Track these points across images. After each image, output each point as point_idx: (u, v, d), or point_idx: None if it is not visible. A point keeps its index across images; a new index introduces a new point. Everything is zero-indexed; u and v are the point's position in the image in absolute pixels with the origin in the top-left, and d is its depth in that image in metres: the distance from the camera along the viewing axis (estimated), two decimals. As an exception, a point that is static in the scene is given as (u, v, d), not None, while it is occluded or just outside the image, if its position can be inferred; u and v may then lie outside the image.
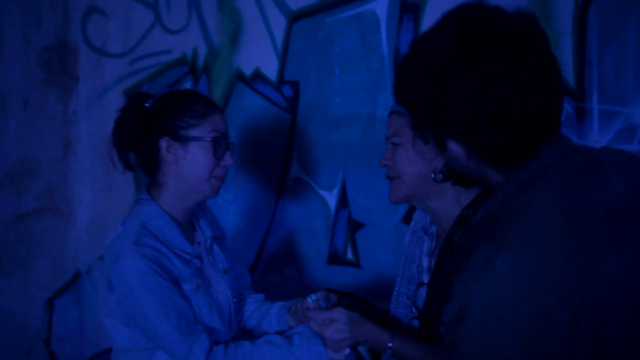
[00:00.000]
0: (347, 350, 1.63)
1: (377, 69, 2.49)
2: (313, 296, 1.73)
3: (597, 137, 2.03)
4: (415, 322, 1.69)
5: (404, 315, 1.74)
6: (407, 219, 2.43)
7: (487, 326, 0.99)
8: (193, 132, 1.75)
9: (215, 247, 1.90)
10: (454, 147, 1.12)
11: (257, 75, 2.83)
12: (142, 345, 1.71)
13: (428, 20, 2.35)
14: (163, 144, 1.75)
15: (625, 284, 1.00)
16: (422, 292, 1.69)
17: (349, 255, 2.62)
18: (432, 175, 1.61)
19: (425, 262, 1.72)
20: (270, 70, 2.79)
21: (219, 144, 1.77)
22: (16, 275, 3.39)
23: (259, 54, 2.81)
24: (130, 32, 3.25)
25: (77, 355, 3.55)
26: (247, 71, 2.86)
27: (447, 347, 1.06)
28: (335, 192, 2.64)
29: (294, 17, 2.69)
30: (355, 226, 2.60)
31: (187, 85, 3.08)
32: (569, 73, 2.08)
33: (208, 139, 1.75)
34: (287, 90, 2.74)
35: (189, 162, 1.75)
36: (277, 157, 2.77)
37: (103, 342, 3.50)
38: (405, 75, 1.15)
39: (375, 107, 2.50)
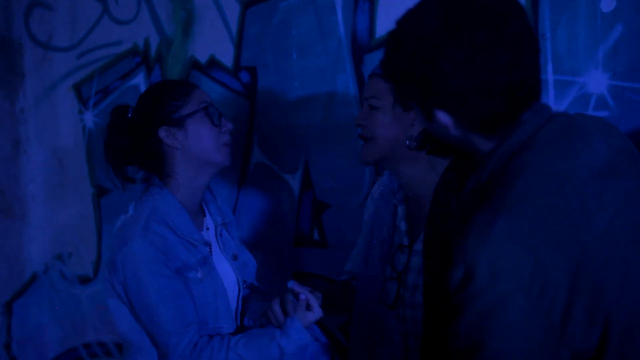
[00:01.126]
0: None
1: (335, 50, 2.50)
2: (290, 283, 1.75)
3: (554, 106, 2.10)
4: (393, 283, 1.72)
5: (377, 277, 1.76)
6: (372, 197, 2.47)
7: (493, 284, 1.05)
8: (184, 110, 1.77)
9: (225, 233, 1.92)
10: (443, 117, 1.18)
11: (213, 63, 2.81)
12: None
13: (383, 0, 2.38)
14: (162, 133, 1.76)
15: (615, 236, 1.09)
16: (401, 255, 1.72)
17: (316, 236, 2.65)
18: (407, 142, 1.63)
19: (403, 226, 1.75)
20: (226, 57, 2.77)
21: (213, 112, 1.79)
22: (-29, 279, 3.30)
23: (213, 41, 2.80)
24: (77, 24, 3.19)
25: (39, 358, 3.49)
26: (202, 59, 2.84)
27: (453, 309, 1.11)
28: (298, 175, 2.65)
29: (248, 3, 2.68)
30: (320, 207, 2.62)
31: (140, 76, 3.04)
32: (523, 46, 2.15)
33: (200, 109, 1.77)
34: (244, 76, 2.74)
35: (192, 140, 1.76)
36: (237, 144, 2.77)
37: (65, 343, 3.45)
38: (394, 50, 1.21)
39: (334, 88, 2.52)
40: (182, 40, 2.89)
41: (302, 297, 1.71)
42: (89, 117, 3.24)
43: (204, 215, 1.90)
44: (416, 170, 1.70)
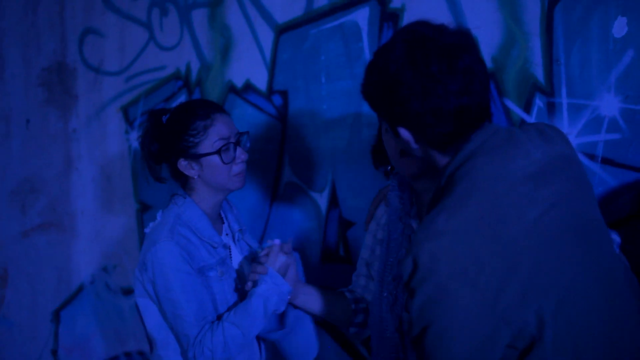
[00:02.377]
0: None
1: (361, 75, 2.59)
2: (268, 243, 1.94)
3: (567, 129, 2.16)
4: None
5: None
6: (394, 215, 2.55)
7: (434, 272, 1.23)
8: (200, 149, 1.94)
9: (242, 243, 2.13)
10: (404, 134, 1.41)
11: (248, 87, 2.97)
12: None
13: (406, 27, 2.49)
14: (182, 163, 1.96)
15: (545, 227, 1.26)
16: None
17: (341, 252, 2.75)
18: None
19: (414, 224, 1.83)
20: (260, 81, 2.93)
21: (227, 150, 1.95)
22: (23, 288, 3.50)
23: (249, 66, 2.95)
24: (126, 50, 3.40)
25: (84, 364, 3.66)
26: (238, 83, 3.00)
27: (407, 298, 1.30)
28: (325, 194, 2.76)
29: (281, 30, 2.83)
30: (346, 225, 2.72)
31: (182, 99, 3.22)
32: (539, 71, 2.21)
33: (214, 150, 1.93)
34: (277, 99, 2.88)
35: (207, 173, 1.96)
36: (269, 163, 2.91)
37: (108, 351, 3.61)
38: (367, 78, 1.46)
39: (360, 111, 2.63)
40: (221, 66, 3.06)
41: (275, 242, 1.91)
42: (135, 137, 3.43)
43: (223, 223, 2.11)
44: (428, 185, 1.76)
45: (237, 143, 1.98)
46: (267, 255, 1.90)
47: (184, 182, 2.03)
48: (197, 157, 1.94)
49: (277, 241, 1.93)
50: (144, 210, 3.43)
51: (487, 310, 1.20)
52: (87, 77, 3.57)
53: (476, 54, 1.38)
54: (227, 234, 2.09)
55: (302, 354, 2.05)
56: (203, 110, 1.97)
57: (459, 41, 1.35)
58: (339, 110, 2.69)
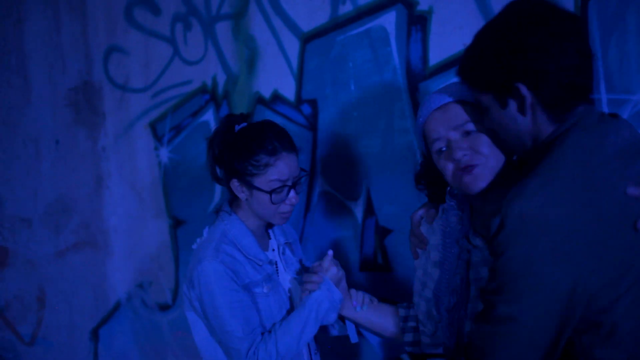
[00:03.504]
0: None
1: (391, 80, 2.59)
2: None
3: (608, 126, 2.11)
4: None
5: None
6: (432, 221, 2.51)
7: (520, 232, 1.27)
8: (256, 181, 1.92)
9: (288, 252, 2.12)
10: (524, 90, 1.38)
11: (276, 97, 2.95)
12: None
13: (435, 29, 2.45)
14: (235, 182, 1.95)
15: (632, 205, 1.28)
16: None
17: (379, 260, 2.72)
18: (514, 157, 1.61)
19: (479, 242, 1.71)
20: (288, 91, 2.90)
21: (280, 192, 1.92)
22: (60, 308, 3.52)
23: (276, 77, 2.93)
24: (151, 67, 3.40)
25: (124, 381, 3.67)
26: (266, 94, 2.98)
27: (493, 255, 1.34)
28: (361, 202, 2.73)
29: (307, 39, 2.81)
30: (383, 233, 2.69)
31: (210, 112, 3.21)
32: (575, 67, 2.17)
33: (267, 189, 1.91)
34: (306, 109, 2.85)
35: (254, 203, 1.95)
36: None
37: (148, 367, 3.62)
38: (481, 43, 1.47)
39: (391, 117, 2.60)
40: (247, 77, 3.04)
41: (329, 253, 1.96)
42: (164, 153, 3.43)
43: (270, 238, 2.11)
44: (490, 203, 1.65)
45: (293, 186, 1.95)
46: (320, 265, 1.93)
47: (232, 197, 2.03)
48: (249, 186, 1.93)
49: (330, 252, 1.95)
50: (177, 226, 3.43)
51: (570, 274, 1.25)
52: (113, 95, 3.58)
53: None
54: (273, 250, 2.09)
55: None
56: (272, 144, 1.92)
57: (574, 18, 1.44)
58: (369, 117, 2.66)
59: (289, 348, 1.89)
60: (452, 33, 2.42)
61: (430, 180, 1.84)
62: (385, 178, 2.65)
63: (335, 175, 2.80)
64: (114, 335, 3.66)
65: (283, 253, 2.10)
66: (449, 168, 1.62)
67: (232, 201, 2.03)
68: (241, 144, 1.93)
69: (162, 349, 3.54)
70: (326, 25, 2.74)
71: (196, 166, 3.28)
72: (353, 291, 2.01)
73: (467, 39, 2.37)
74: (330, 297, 1.90)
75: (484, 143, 1.61)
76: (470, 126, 1.62)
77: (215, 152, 1.98)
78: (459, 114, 1.64)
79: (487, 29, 1.47)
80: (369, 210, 2.72)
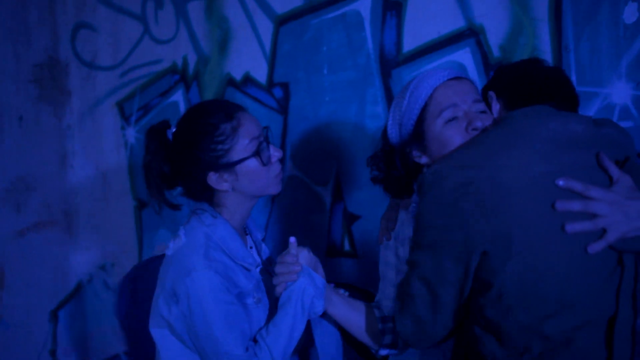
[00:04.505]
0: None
1: (364, 65, 2.58)
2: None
3: (577, 117, 2.14)
4: None
5: None
6: (401, 208, 2.52)
7: (429, 187, 1.42)
8: (233, 156, 1.68)
9: (264, 248, 1.92)
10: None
11: (247, 79, 2.92)
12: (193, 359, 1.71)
13: (410, 16, 2.45)
14: (212, 177, 1.69)
15: (546, 183, 1.36)
16: None
17: (347, 247, 2.71)
18: None
19: None
20: (260, 73, 2.88)
21: (262, 149, 1.71)
22: (19, 288, 3.44)
23: (248, 59, 2.90)
24: (120, 44, 3.34)
25: (83, 364, 3.62)
26: (237, 76, 2.95)
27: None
28: (329, 187, 2.73)
29: (281, 21, 2.78)
30: (351, 219, 2.69)
31: (179, 93, 3.16)
32: (547, 58, 2.17)
33: (250, 154, 1.69)
34: (278, 92, 2.83)
35: (243, 182, 1.71)
36: (271, 157, 2.86)
37: (107, 350, 3.57)
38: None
39: (364, 102, 2.59)
40: (219, 58, 3.00)
41: (291, 240, 1.73)
42: (131, 133, 3.37)
43: (246, 234, 1.87)
44: None
45: (267, 140, 1.73)
46: (287, 254, 1.72)
47: (209, 199, 1.74)
48: (230, 167, 1.67)
49: (292, 239, 1.73)
50: (142, 207, 3.38)
51: (458, 234, 1.38)
52: (80, 73, 3.50)
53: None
54: (251, 247, 1.85)
55: None
56: (223, 111, 1.70)
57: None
58: (342, 102, 2.65)
59: (285, 352, 1.66)
60: (426, 21, 2.42)
61: (397, 167, 1.78)
62: (355, 164, 2.64)
63: (305, 159, 2.79)
64: (74, 317, 3.60)
65: (260, 250, 1.88)
66: (456, 139, 1.58)
67: (211, 202, 1.75)
68: (191, 136, 1.68)
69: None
70: (301, 8, 2.72)
71: (164, 147, 3.24)
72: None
73: (441, 27, 2.40)
74: (313, 283, 1.69)
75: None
76: (484, 106, 1.64)
77: (163, 170, 1.71)
78: (475, 90, 1.67)
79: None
80: (338, 195, 2.71)
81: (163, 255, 1.85)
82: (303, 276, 1.69)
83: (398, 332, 1.57)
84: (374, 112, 2.58)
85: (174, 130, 1.75)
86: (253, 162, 1.69)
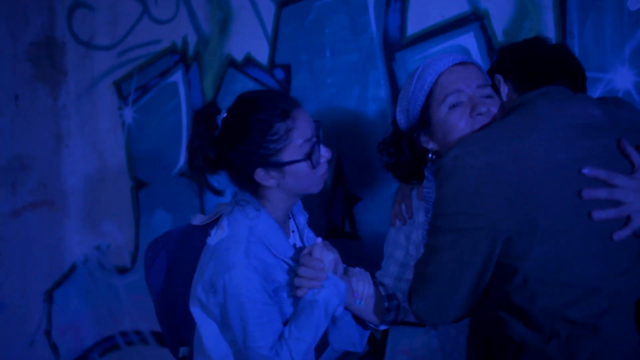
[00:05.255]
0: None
1: (367, 48, 2.59)
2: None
3: (580, 102, 2.17)
4: None
5: None
6: (402, 190, 2.54)
7: (451, 173, 1.41)
8: (284, 157, 1.66)
9: (308, 232, 1.90)
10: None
11: (249, 61, 2.92)
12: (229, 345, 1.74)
13: (415, 0, 2.46)
14: (260, 173, 1.68)
15: (568, 170, 1.38)
16: None
17: (347, 228, 2.73)
18: None
19: None
20: (261, 55, 2.87)
21: (314, 152, 1.69)
22: (14, 269, 3.43)
23: (249, 40, 2.90)
24: (118, 24, 3.31)
25: (78, 345, 3.61)
26: (238, 57, 2.94)
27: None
28: (331, 169, 2.74)
29: (283, 2, 2.78)
30: (352, 200, 2.71)
31: (178, 74, 3.15)
32: (551, 44, 2.21)
33: (301, 157, 1.67)
34: (279, 74, 2.83)
35: (289, 181, 1.69)
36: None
37: (103, 331, 3.57)
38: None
39: (366, 85, 2.61)
40: (219, 39, 2.99)
41: (318, 241, 1.71)
42: (129, 113, 3.36)
43: (289, 218, 1.86)
44: None
45: (318, 140, 1.72)
46: (310, 257, 1.68)
47: (254, 191, 1.74)
48: (279, 166, 1.66)
49: (319, 240, 1.71)
50: (139, 188, 3.37)
51: (482, 221, 1.38)
52: (77, 52, 3.47)
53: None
54: (293, 231, 1.84)
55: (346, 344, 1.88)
56: (277, 107, 1.66)
57: None
58: (344, 85, 2.66)
59: (306, 356, 1.67)
60: (431, 4, 2.43)
61: (405, 153, 1.81)
62: (356, 146, 2.66)
63: (306, 142, 2.79)
64: (69, 298, 3.60)
65: (303, 234, 1.87)
66: (460, 124, 1.61)
67: (255, 193, 1.74)
68: (243, 129, 1.65)
69: (119, 312, 3.49)
70: (304, -10, 2.72)
71: (162, 127, 3.23)
72: (354, 281, 1.80)
73: (445, 11, 2.41)
74: (337, 292, 1.68)
75: (500, 109, 1.64)
76: (490, 90, 1.66)
77: (209, 155, 1.68)
78: (480, 75, 1.69)
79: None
80: (339, 177, 2.73)
81: (199, 227, 1.87)
82: (328, 286, 1.67)
83: (413, 310, 1.59)
84: (377, 95, 2.59)
85: (224, 116, 1.72)
86: (302, 165, 1.68)
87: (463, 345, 1.77)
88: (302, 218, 1.90)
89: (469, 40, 2.36)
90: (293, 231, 1.85)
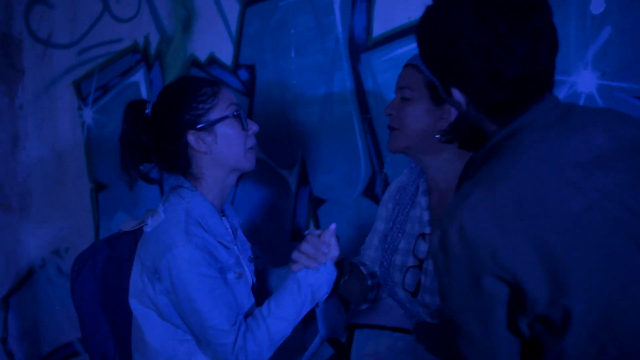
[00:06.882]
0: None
1: (333, 49, 2.56)
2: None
3: (544, 104, 2.18)
4: (414, 271, 1.76)
5: (400, 267, 1.82)
6: (367, 192, 2.53)
7: (462, 251, 1.15)
8: (213, 115, 1.71)
9: (240, 235, 1.90)
10: (457, 95, 1.28)
11: (212, 60, 2.87)
12: (178, 337, 1.71)
13: (381, 1, 2.45)
14: (191, 138, 1.71)
15: (590, 222, 1.14)
16: (422, 244, 1.76)
17: (312, 230, 2.70)
18: (437, 136, 1.69)
19: (426, 216, 1.79)
20: (225, 55, 2.83)
21: (241, 115, 1.75)
22: (-32, 273, 3.33)
23: (213, 40, 2.85)
24: (78, 22, 3.24)
25: (35, 352, 3.51)
26: (202, 57, 2.90)
27: (435, 274, 1.22)
28: (295, 171, 2.71)
29: (248, 2, 2.74)
30: (316, 203, 2.68)
31: (140, 73, 3.09)
32: (515, 46, 2.21)
33: (230, 114, 1.73)
34: (243, 74, 2.79)
35: (221, 145, 1.72)
36: (235, 140, 2.82)
37: (61, 337, 3.48)
38: (424, 28, 1.30)
39: (332, 86, 2.58)
40: (182, 38, 2.94)
41: (331, 227, 1.72)
42: (89, 114, 3.28)
43: (223, 216, 1.86)
44: (442, 162, 1.74)
45: (245, 112, 1.79)
46: (320, 238, 1.69)
47: (187, 169, 1.76)
48: (210, 125, 1.70)
49: (333, 226, 1.72)
50: (99, 190, 3.29)
51: (502, 294, 1.15)
52: (34, 50, 3.38)
53: (548, 15, 1.26)
54: (227, 228, 1.82)
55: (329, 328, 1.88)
56: (205, 79, 1.79)
57: (529, 1, 1.22)
58: (309, 86, 2.63)
59: (284, 335, 1.67)
60: (397, 4, 2.42)
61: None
62: (321, 147, 2.63)
63: (270, 142, 2.76)
64: (26, 304, 3.50)
65: (236, 235, 1.86)
66: None
67: (188, 174, 1.77)
68: (172, 96, 1.73)
69: (77, 317, 3.40)
70: (269, -10, 2.69)
71: (123, 129, 3.16)
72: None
73: (411, 12, 2.40)
74: (329, 280, 1.70)
75: (408, 114, 1.70)
76: (407, 93, 1.71)
77: (140, 139, 1.73)
78: (404, 77, 1.75)
79: (434, 7, 1.29)
80: (303, 179, 2.70)
81: (128, 233, 1.89)
82: (323, 273, 1.68)
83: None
84: (342, 97, 2.57)
85: (154, 102, 1.77)
86: (233, 123, 1.73)
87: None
88: (236, 220, 1.90)
89: (434, 42, 2.35)
90: (227, 228, 1.82)
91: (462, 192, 1.21)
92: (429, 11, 1.29)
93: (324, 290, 1.70)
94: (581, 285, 1.12)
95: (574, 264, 1.12)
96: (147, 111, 1.76)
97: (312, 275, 1.68)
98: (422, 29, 1.30)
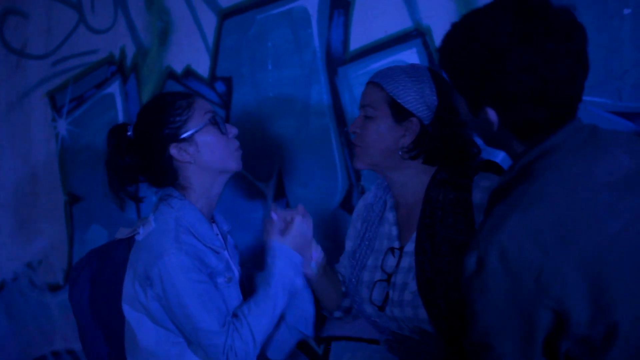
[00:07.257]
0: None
1: (310, 62, 2.57)
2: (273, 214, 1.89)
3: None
4: (382, 285, 1.78)
5: (367, 282, 1.83)
6: (344, 205, 2.53)
7: (503, 274, 1.15)
8: (191, 125, 1.78)
9: (230, 240, 1.98)
10: (491, 115, 1.27)
11: (189, 73, 2.86)
12: (170, 340, 1.77)
13: (358, 14, 2.46)
14: (174, 151, 1.78)
15: (628, 242, 1.15)
16: (391, 259, 1.78)
17: (289, 243, 2.69)
18: (400, 153, 1.71)
19: (394, 231, 1.81)
20: (202, 67, 2.83)
21: (219, 121, 1.82)
22: (-63, 287, 3.27)
23: (189, 52, 2.85)
24: (53, 32, 3.21)
25: (6, 366, 3.46)
26: (178, 69, 2.89)
27: (466, 296, 1.21)
28: (271, 184, 2.71)
29: (225, 15, 2.74)
30: (293, 215, 2.67)
31: (115, 85, 3.07)
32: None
33: (207, 122, 1.79)
34: (220, 87, 2.79)
35: (204, 153, 1.79)
36: (212, 153, 2.81)
37: (34, 351, 3.42)
38: (459, 43, 1.28)
39: (308, 99, 2.59)
40: (158, 50, 2.93)
41: (273, 216, 1.87)
42: (63, 125, 3.25)
43: (213, 222, 1.93)
44: (407, 177, 1.77)
45: (222, 118, 1.86)
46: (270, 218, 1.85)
47: (175, 181, 1.83)
48: (190, 137, 1.77)
49: (301, 206, 1.89)
50: (73, 202, 3.26)
51: (545, 318, 1.15)
52: (8, 60, 3.35)
53: (585, 38, 1.25)
54: (217, 234, 1.90)
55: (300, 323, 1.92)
56: (179, 92, 1.85)
57: (573, 20, 1.21)
58: (286, 99, 2.64)
59: (266, 330, 1.76)
60: (374, 19, 2.44)
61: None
62: (298, 160, 2.63)
63: (247, 155, 2.73)
64: (-3, 317, 3.44)
65: (226, 242, 1.94)
66: None
67: (177, 185, 1.83)
68: (150, 115, 1.81)
69: (51, 330, 3.36)
70: (246, 3, 2.69)
71: (98, 140, 3.13)
72: (313, 243, 1.91)
73: (388, 26, 2.42)
74: (290, 263, 1.80)
75: (371, 132, 1.73)
76: (369, 111, 1.75)
77: (125, 161, 1.81)
78: (366, 95, 1.78)
79: (473, 28, 1.26)
80: (280, 192, 2.70)
81: (122, 240, 1.93)
82: (280, 258, 1.80)
83: None
84: (319, 110, 2.58)
85: (134, 123, 1.84)
86: (211, 131, 1.80)
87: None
88: (225, 226, 1.98)
89: (411, 56, 2.37)
90: (217, 234, 1.90)
91: (496, 214, 1.20)
92: (465, 29, 1.28)
93: (290, 275, 1.79)
94: (628, 301, 1.13)
95: (617, 283, 1.13)
96: (128, 133, 1.83)
97: (275, 266, 1.79)
98: (458, 47, 1.28)
